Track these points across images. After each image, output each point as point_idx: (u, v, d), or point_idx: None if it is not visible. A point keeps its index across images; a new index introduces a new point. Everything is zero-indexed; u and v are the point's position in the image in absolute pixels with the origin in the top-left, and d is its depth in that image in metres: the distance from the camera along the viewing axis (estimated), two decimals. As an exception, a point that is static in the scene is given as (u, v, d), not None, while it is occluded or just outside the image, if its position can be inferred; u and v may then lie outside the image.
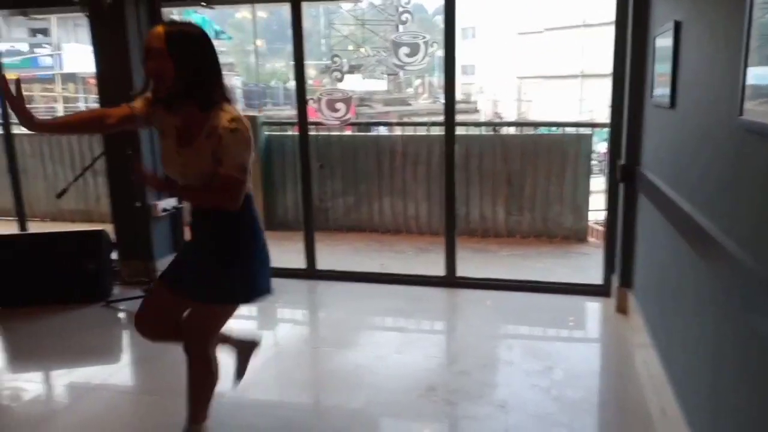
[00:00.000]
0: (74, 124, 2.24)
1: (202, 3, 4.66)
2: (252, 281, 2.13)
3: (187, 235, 2.31)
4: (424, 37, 4.75)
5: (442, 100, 4.11)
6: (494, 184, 5.57)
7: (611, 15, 3.60)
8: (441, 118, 4.10)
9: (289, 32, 4.11)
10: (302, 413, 2.70)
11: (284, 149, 5.88)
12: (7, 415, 2.71)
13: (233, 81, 25.93)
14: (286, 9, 4.08)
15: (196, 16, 22.88)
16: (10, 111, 4.76)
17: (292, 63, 4.27)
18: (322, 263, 4.36)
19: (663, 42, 2.76)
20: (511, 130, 6.18)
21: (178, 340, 2.25)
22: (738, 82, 1.66)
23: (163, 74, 1.91)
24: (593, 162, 5.63)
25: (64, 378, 3.02)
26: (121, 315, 3.83)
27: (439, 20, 3.99)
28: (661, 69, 2.83)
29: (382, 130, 6.35)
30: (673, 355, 2.49)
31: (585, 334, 3.64)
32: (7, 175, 5.04)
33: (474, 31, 28.90)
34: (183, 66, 1.91)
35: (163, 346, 3.30)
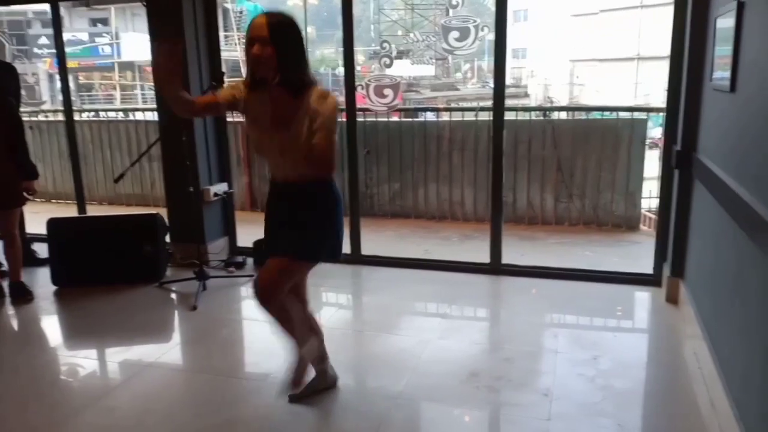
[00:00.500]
0: (179, 101, 2.23)
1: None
2: (331, 243, 2.39)
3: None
4: (474, 21, 4.69)
5: (491, 85, 4.05)
6: (543, 171, 5.47)
7: (670, -5, 3.47)
8: (489, 103, 4.04)
9: (339, 19, 4.12)
10: (345, 395, 2.74)
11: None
12: (64, 390, 2.86)
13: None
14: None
15: (248, 4, 23.23)
16: (72, 99, 4.96)
17: (341, 49, 4.27)
18: (367, 249, 4.38)
19: (724, 23, 2.65)
20: (563, 115, 6.02)
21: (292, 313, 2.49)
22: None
23: (266, 60, 2.12)
24: (647, 148, 5.45)
25: (119, 355, 3.14)
26: (173, 296, 3.96)
27: (491, 3, 3.92)
28: (721, 51, 2.71)
29: (429, 116, 6.28)
30: (725, 348, 2.41)
31: (633, 324, 3.56)
32: (68, 159, 5.26)
33: (526, 14, 28.28)
34: (283, 52, 2.13)
35: (214, 327, 3.43)
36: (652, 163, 4.96)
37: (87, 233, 4.14)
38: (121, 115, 7.27)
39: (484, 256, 4.16)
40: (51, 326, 3.69)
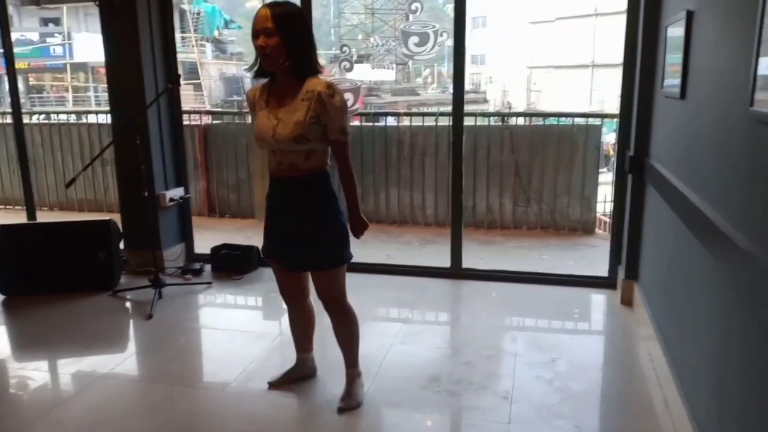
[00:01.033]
0: None
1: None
2: (345, 231, 2.43)
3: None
4: (433, 27, 4.72)
5: (451, 90, 4.08)
6: (502, 176, 5.55)
7: (623, 4, 3.56)
8: (449, 108, 4.08)
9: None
10: (306, 401, 2.72)
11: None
12: (14, 403, 2.74)
13: (241, 70, 25.95)
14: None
15: (206, 5, 22.88)
16: (21, 100, 4.79)
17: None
18: (329, 253, 4.35)
19: (675, 31, 2.73)
20: (520, 121, 6.12)
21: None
22: (749, 72, 1.64)
23: (272, 50, 2.17)
24: (602, 153, 5.58)
25: (71, 366, 3.04)
26: (128, 304, 3.86)
27: (450, 9, 3.96)
28: (672, 59, 2.80)
29: (390, 121, 6.30)
30: (678, 349, 2.48)
31: (590, 326, 3.63)
32: (17, 164, 5.08)
33: (484, 20, 28.69)
34: (288, 41, 2.18)
35: (170, 336, 3.35)
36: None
37: (37, 240, 4.00)
38: (73, 118, 7.05)
39: (444, 261, 4.18)
40: (-2, 337, 3.54)
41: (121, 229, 4.20)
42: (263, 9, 2.18)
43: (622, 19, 3.58)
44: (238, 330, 3.46)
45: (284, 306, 2.74)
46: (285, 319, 2.83)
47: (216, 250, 4.44)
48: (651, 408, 2.54)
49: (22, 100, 4.89)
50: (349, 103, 5.10)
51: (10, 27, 4.79)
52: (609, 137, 7.83)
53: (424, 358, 3.03)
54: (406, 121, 5.92)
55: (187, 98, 19.44)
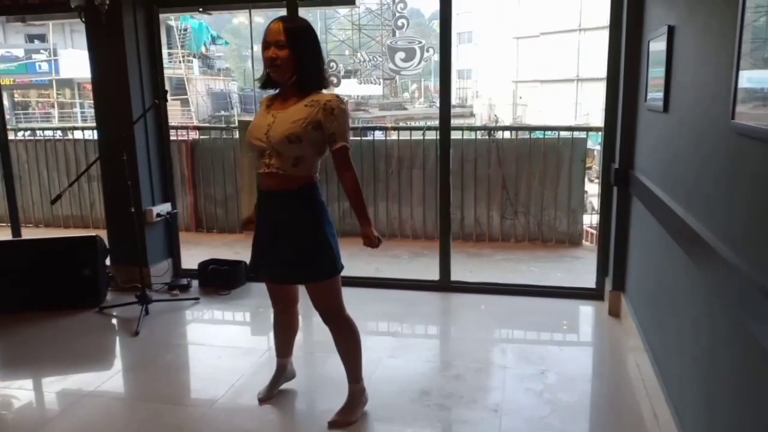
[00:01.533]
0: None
1: (200, 9, 4.66)
2: (335, 241, 2.45)
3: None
4: (420, 42, 4.75)
5: (438, 105, 4.11)
6: (489, 189, 5.58)
7: (606, 19, 3.61)
8: (437, 123, 4.10)
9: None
10: (295, 417, 2.70)
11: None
12: (-2, 421, 2.70)
13: (230, 86, 25.98)
14: (282, 14, 4.07)
15: (193, 21, 22.93)
16: (7, 117, 4.76)
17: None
18: (317, 268, 4.34)
19: (657, 46, 2.78)
20: (507, 135, 6.17)
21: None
22: (730, 85, 1.67)
23: (282, 62, 2.23)
24: (588, 166, 5.64)
25: (56, 385, 3.00)
26: (114, 321, 3.82)
27: (436, 25, 4.00)
28: (654, 73, 2.84)
29: (378, 135, 6.32)
30: (666, 359, 2.49)
31: (578, 338, 3.64)
32: (1, 180, 5.03)
33: (470, 36, 28.98)
34: (298, 54, 2.24)
35: (157, 353, 3.32)
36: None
37: (22, 257, 3.96)
38: (59, 134, 7.00)
39: (433, 274, 4.19)
40: (-19, 356, 3.49)
41: (107, 245, 4.16)
42: (276, 22, 2.25)
43: (606, 35, 3.63)
44: (226, 346, 3.44)
45: (271, 321, 2.74)
46: (273, 335, 2.82)
47: (203, 265, 4.41)
48: (640, 418, 2.55)
49: (7, 117, 4.86)
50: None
51: (-4, 43, 4.77)
52: (594, 150, 7.90)
53: (414, 372, 3.03)
54: (393, 136, 5.95)
55: (175, 114, 19.42)
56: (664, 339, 2.54)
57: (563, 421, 2.56)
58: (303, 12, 4.04)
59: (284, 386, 2.84)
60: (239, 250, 5.09)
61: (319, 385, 2.95)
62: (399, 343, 3.42)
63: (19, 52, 22.39)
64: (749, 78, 1.59)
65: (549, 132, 5.75)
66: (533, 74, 25.85)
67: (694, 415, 2.06)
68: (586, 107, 21.70)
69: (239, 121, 9.37)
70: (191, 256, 4.70)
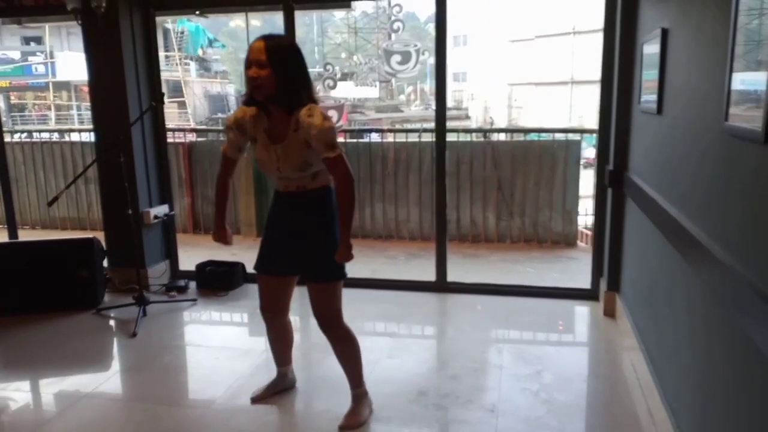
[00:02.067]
0: (225, 196, 2.65)
1: (197, 12, 4.68)
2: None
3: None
4: (415, 45, 4.78)
5: (434, 107, 4.13)
6: (485, 190, 5.61)
7: (600, 22, 3.63)
8: (432, 125, 4.13)
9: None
10: (293, 418, 2.71)
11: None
12: (-4, 423, 2.70)
13: (227, 89, 25.98)
14: (279, 18, 4.10)
15: (190, 24, 22.93)
16: (3, 119, 4.76)
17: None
18: (314, 269, 4.35)
19: (650, 49, 2.80)
20: (502, 137, 6.21)
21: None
22: (723, 87, 1.69)
23: (263, 81, 2.20)
24: (582, 167, 5.67)
25: (54, 386, 3.00)
26: (112, 322, 3.82)
27: (431, 28, 4.04)
28: (648, 75, 2.86)
29: (374, 137, 6.35)
30: (661, 359, 2.51)
31: (574, 338, 3.66)
32: (-2, 182, 5.02)
33: (465, 39, 29.02)
34: (280, 73, 2.20)
35: (155, 354, 3.32)
36: (588, 181, 5.16)
37: (19, 259, 3.96)
38: (56, 136, 7.01)
39: (429, 275, 4.21)
40: (-22, 358, 3.49)
41: (104, 247, 4.17)
42: (258, 41, 2.22)
43: (600, 37, 3.64)
44: (224, 347, 3.44)
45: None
46: (268, 346, 2.82)
47: (201, 266, 4.42)
48: (635, 418, 2.57)
49: (3, 119, 4.86)
50: (333, 120, 5.15)
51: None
52: (588, 152, 7.93)
53: (411, 373, 3.04)
54: (390, 138, 5.98)
55: (172, 116, 19.40)
56: (659, 339, 2.56)
57: (559, 420, 2.58)
58: (299, 15, 4.06)
59: (283, 392, 2.84)
60: (236, 251, 5.09)
61: (316, 386, 2.96)
62: (396, 343, 3.43)
63: (15, 55, 22.35)
64: (742, 80, 1.61)
65: (544, 134, 5.78)
66: (528, 77, 25.92)
67: (689, 414, 2.08)
68: (580, 110, 21.77)
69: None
70: (188, 258, 4.70)
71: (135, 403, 2.84)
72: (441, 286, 4.17)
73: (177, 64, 22.44)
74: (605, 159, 3.68)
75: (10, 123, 20.10)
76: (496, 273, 4.84)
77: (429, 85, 24.75)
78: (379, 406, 2.70)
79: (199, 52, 24.09)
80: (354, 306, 3.92)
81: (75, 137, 6.71)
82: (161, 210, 4.42)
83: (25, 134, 7.26)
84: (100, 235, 4.27)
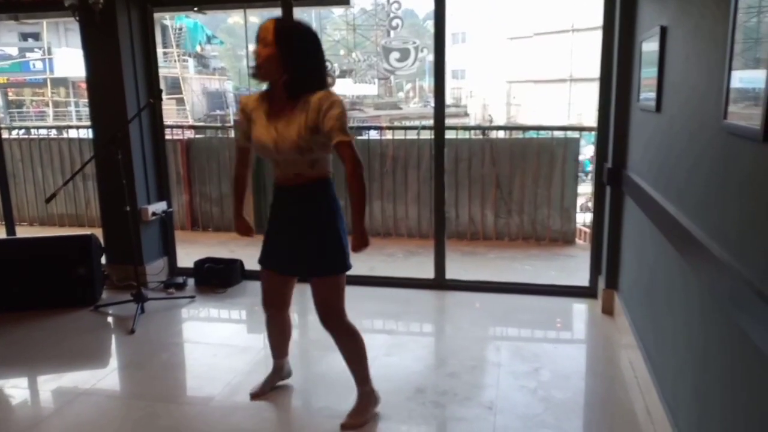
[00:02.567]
0: (242, 190, 2.74)
1: (195, 8, 4.66)
2: (345, 240, 2.42)
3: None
4: (414, 42, 4.76)
5: (433, 104, 4.13)
6: (483, 188, 5.61)
7: (599, 20, 3.63)
8: (431, 122, 4.12)
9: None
10: (291, 415, 2.71)
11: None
12: (-6, 420, 2.70)
13: (225, 85, 25.95)
14: (277, 14, 4.08)
15: (188, 21, 22.88)
16: (0, 115, 4.74)
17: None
18: (312, 267, 4.35)
19: (649, 46, 2.80)
20: (500, 134, 6.21)
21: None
22: (722, 85, 1.69)
23: (264, 60, 2.18)
24: (581, 166, 5.68)
25: (52, 383, 3.00)
26: (110, 319, 3.82)
27: (430, 25, 4.03)
28: (647, 73, 2.86)
29: (373, 134, 6.34)
30: (659, 356, 2.52)
31: (572, 336, 3.67)
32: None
33: (464, 36, 29.02)
34: (286, 56, 2.17)
35: (153, 351, 3.32)
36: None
37: (16, 256, 3.95)
38: (53, 133, 7.00)
39: (428, 272, 4.21)
40: (-24, 355, 3.48)
41: (102, 244, 4.16)
42: (269, 21, 2.20)
43: (599, 35, 3.65)
44: (222, 344, 3.44)
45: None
46: (266, 338, 2.82)
47: (199, 263, 4.42)
48: (633, 415, 2.57)
49: (1, 115, 4.84)
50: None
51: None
52: (587, 149, 7.94)
53: (409, 370, 3.04)
54: (388, 135, 5.98)
55: (170, 113, 19.36)
56: (657, 336, 2.57)
57: (557, 418, 2.58)
58: (298, 12, 4.05)
59: (280, 383, 2.86)
60: (234, 248, 5.10)
61: (315, 383, 2.96)
62: (394, 341, 3.43)
63: (13, 51, 22.30)
64: (741, 78, 1.60)
65: (542, 131, 5.78)
66: (527, 74, 25.92)
67: (687, 412, 2.08)
68: (578, 107, 21.78)
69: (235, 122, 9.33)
70: (187, 255, 4.70)
71: (133, 400, 2.84)
72: (439, 283, 4.17)
73: (175, 61, 22.39)
74: (604, 157, 3.68)
75: (7, 119, 20.08)
76: (494, 270, 4.85)
77: (428, 83, 24.75)
78: (377, 403, 2.70)
79: (198, 48, 24.05)
80: (352, 303, 3.91)
81: (73, 134, 6.73)
82: (159, 207, 4.41)
83: (22, 131, 7.26)
84: (98, 232, 4.26)
